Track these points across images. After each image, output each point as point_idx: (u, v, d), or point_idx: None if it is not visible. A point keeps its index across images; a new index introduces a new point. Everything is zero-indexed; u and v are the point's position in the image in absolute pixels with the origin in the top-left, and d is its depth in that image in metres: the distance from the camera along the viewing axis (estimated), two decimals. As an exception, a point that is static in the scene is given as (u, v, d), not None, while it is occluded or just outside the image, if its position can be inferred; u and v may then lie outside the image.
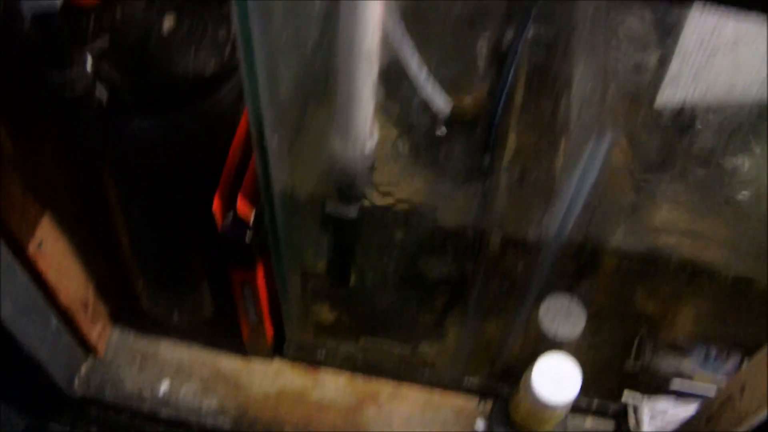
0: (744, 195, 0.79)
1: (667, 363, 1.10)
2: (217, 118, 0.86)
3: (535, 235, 0.85)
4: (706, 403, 0.93)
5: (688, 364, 1.10)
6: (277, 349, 1.25)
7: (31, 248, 1.00)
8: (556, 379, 1.01)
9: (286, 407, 1.22)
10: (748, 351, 0.85)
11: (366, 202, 0.87)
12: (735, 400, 0.87)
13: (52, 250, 1.05)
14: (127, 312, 1.30)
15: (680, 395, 1.11)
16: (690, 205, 0.82)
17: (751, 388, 0.84)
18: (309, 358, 1.24)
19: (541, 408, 1.02)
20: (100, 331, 1.24)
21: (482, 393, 1.22)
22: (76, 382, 1.24)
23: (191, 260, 1.06)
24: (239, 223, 0.92)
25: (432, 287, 1.01)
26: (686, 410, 1.09)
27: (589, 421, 1.22)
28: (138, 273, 1.11)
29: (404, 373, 1.21)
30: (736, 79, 0.71)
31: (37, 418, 1.26)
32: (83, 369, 1.25)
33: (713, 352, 1.11)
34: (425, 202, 0.86)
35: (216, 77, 0.82)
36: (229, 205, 0.93)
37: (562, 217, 0.82)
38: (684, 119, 0.73)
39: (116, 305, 1.28)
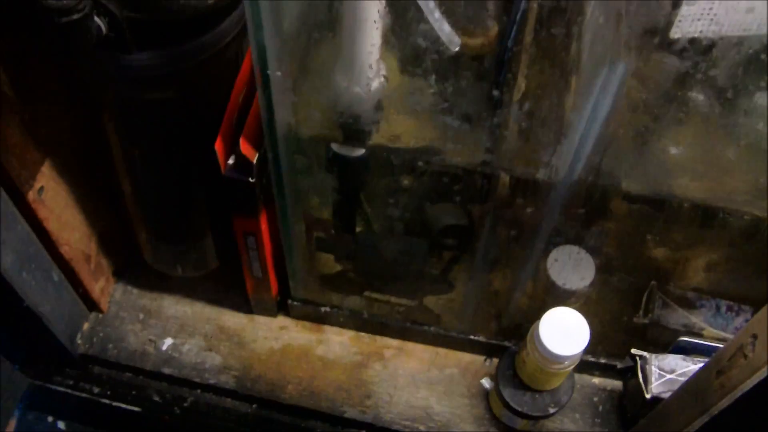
0: (761, 133, 0.77)
1: (676, 318, 1.08)
2: (219, 54, 0.85)
3: (544, 176, 0.83)
4: (715, 356, 0.91)
5: (697, 318, 1.08)
6: (282, 307, 1.24)
7: (31, 195, 0.99)
8: (563, 332, 0.99)
9: (290, 364, 1.21)
10: (759, 305, 0.83)
11: (372, 143, 0.85)
12: (746, 351, 0.85)
13: (53, 198, 1.04)
14: (130, 268, 1.29)
15: (689, 352, 1.09)
16: (704, 144, 0.80)
17: (763, 337, 0.82)
18: (313, 316, 1.22)
19: (547, 362, 1.00)
20: (102, 286, 1.23)
21: (489, 350, 1.20)
22: (79, 339, 1.23)
23: (195, 208, 1.05)
24: (242, 164, 0.91)
25: (439, 236, 0.99)
26: (695, 368, 1.07)
27: (597, 380, 1.21)
28: (141, 224, 1.10)
29: (409, 331, 1.19)
30: (755, 10, 0.69)
31: (40, 376, 1.25)
32: (86, 326, 1.24)
33: (723, 307, 1.10)
34: (433, 143, 0.84)
35: (217, 8, 0.80)
36: (233, 146, 0.91)
37: (572, 156, 0.81)
38: (700, 50, 0.71)
39: (119, 261, 1.27)
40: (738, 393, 0.83)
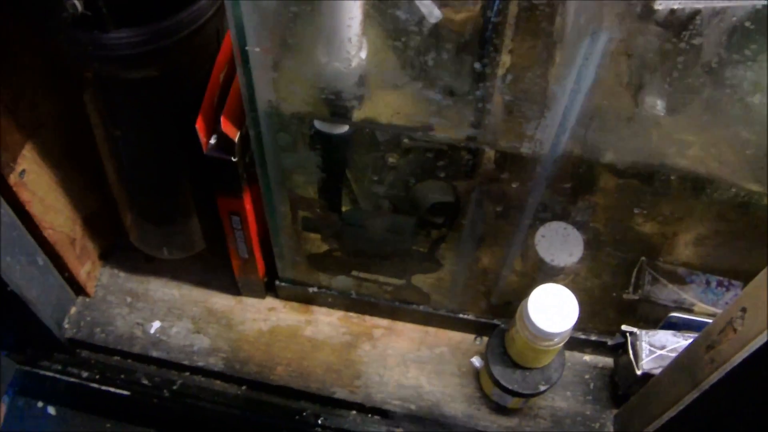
0: (746, 104, 0.76)
1: (666, 293, 1.07)
2: (199, 31, 0.83)
3: (529, 150, 0.82)
4: (705, 330, 0.90)
5: (687, 294, 1.08)
6: (270, 288, 1.23)
7: (12, 178, 0.98)
8: (552, 309, 0.98)
9: (279, 345, 1.20)
10: (749, 280, 0.83)
11: (355, 119, 0.84)
12: (736, 324, 0.84)
13: (35, 181, 1.03)
14: (116, 252, 1.28)
15: (680, 328, 1.08)
16: (691, 115, 0.78)
17: (753, 310, 0.82)
18: (302, 296, 1.21)
19: (537, 339, 1.00)
20: (89, 270, 1.22)
21: (478, 329, 1.20)
22: (66, 323, 1.22)
23: (179, 189, 1.04)
24: (224, 143, 0.90)
25: (426, 213, 0.98)
26: (686, 344, 1.06)
27: (588, 357, 1.20)
28: (126, 205, 1.09)
29: (399, 310, 1.19)
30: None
31: (28, 362, 1.24)
32: (73, 310, 1.23)
33: (714, 282, 1.09)
34: (417, 118, 0.83)
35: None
36: (214, 125, 0.90)
37: (556, 129, 0.80)
38: (684, 20, 0.70)
39: (105, 244, 1.26)
40: (728, 367, 0.83)
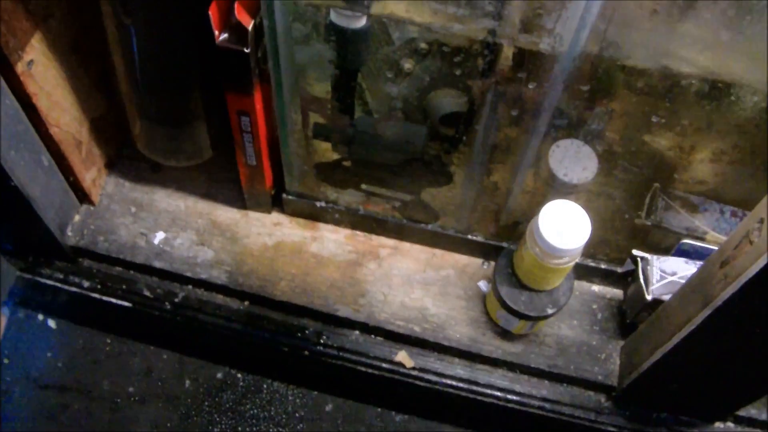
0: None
1: (679, 220, 1.05)
2: None
3: (548, 46, 0.80)
4: (720, 247, 0.88)
5: (701, 222, 1.05)
6: (276, 203, 1.21)
7: (20, 67, 0.96)
8: (563, 225, 0.96)
9: (284, 260, 1.18)
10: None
11: (374, 11, 0.82)
12: (752, 236, 0.82)
13: (43, 74, 1.01)
14: (122, 161, 1.27)
15: (691, 256, 1.06)
16: (718, 19, 0.76)
17: (772, 219, 0.80)
18: (308, 212, 1.20)
19: (547, 257, 0.98)
20: (94, 177, 1.20)
21: (486, 253, 1.18)
22: (69, 231, 1.20)
23: (189, 87, 1.02)
24: (237, 32, 0.88)
25: (438, 123, 0.96)
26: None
27: (596, 288, 1.19)
28: (134, 108, 1.07)
29: (406, 229, 1.17)
30: None
31: (29, 269, 1.23)
32: (76, 218, 1.22)
33: (728, 212, 1.07)
34: (434, 5, 0.81)
35: None
36: (228, 15, 0.88)
37: (578, 22, 0.77)
38: None
39: (111, 152, 1.24)
40: (743, 279, 0.81)
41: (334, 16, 0.87)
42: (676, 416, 1.11)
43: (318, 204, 1.17)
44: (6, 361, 1.29)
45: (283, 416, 1.26)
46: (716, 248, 1.02)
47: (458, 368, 1.15)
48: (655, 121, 0.92)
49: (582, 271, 1.15)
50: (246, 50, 0.89)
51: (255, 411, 1.26)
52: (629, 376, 1.07)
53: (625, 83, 0.88)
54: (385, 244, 1.20)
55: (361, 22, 0.87)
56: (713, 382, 1.01)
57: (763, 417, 1.11)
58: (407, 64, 0.94)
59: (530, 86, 0.87)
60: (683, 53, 0.80)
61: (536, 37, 0.80)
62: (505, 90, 0.90)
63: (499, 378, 1.14)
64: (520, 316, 1.07)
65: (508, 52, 0.87)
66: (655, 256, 1.06)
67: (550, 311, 1.06)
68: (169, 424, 1.25)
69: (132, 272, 1.21)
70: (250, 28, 0.88)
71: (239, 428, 1.25)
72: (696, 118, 0.91)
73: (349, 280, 1.17)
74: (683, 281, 1.03)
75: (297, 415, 1.26)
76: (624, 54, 0.81)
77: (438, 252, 1.20)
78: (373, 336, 1.16)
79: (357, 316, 1.15)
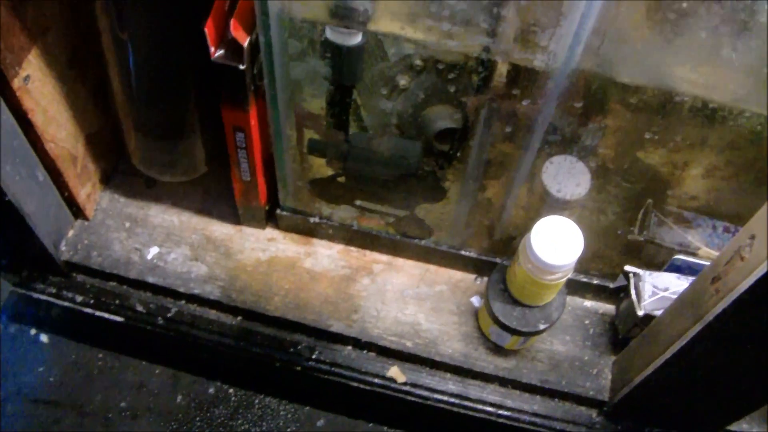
0: (761, 24, 0.74)
1: (671, 236, 1.06)
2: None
3: (542, 63, 0.81)
4: (712, 263, 0.89)
5: (693, 237, 1.06)
6: (270, 219, 1.22)
7: (16, 82, 0.97)
8: (556, 241, 0.97)
9: (277, 276, 1.19)
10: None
11: (369, 28, 0.83)
12: (743, 252, 0.83)
13: (39, 89, 1.01)
14: (117, 176, 1.27)
15: (683, 271, 1.07)
16: (711, 38, 0.77)
17: (762, 236, 0.80)
18: (302, 227, 1.20)
19: (540, 272, 0.98)
20: (89, 192, 1.20)
21: (479, 268, 1.19)
22: (63, 245, 1.20)
23: (185, 101, 1.02)
24: (233, 48, 0.88)
25: (433, 139, 0.97)
26: (689, 287, 1.05)
27: (588, 303, 1.19)
28: (130, 123, 1.07)
29: (400, 245, 1.18)
30: None
31: (23, 283, 1.23)
32: (70, 232, 1.22)
33: (720, 227, 1.08)
34: (430, 23, 0.82)
35: None
36: (224, 31, 0.89)
37: (571, 39, 0.78)
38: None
39: (107, 167, 1.25)
40: (734, 295, 0.82)
41: (329, 33, 0.88)
42: (667, 431, 1.12)
43: (312, 219, 1.17)
44: (-2, 375, 1.29)
45: (275, 431, 1.26)
46: (709, 263, 1.03)
47: (450, 383, 1.15)
48: (648, 138, 0.92)
49: (575, 287, 1.16)
50: (241, 67, 0.90)
51: (247, 426, 1.26)
52: (621, 391, 1.07)
53: (618, 99, 0.88)
54: (378, 259, 1.21)
55: (357, 39, 0.88)
56: (705, 397, 1.01)
57: (755, 431, 1.11)
58: (402, 81, 0.95)
59: (524, 102, 0.88)
60: (676, 71, 0.80)
61: (530, 53, 0.81)
62: (499, 106, 0.90)
63: (491, 393, 1.14)
64: (513, 331, 1.07)
65: (502, 69, 0.88)
66: (647, 272, 1.07)
67: (542, 327, 1.06)
68: (161, 439, 1.25)
69: (125, 287, 1.21)
70: (245, 44, 0.88)
71: (232, 443, 1.25)
72: (689, 134, 0.91)
73: (343, 295, 1.18)
74: (675, 296, 1.04)
75: (289, 430, 1.26)
76: (617, 71, 0.82)
77: (431, 267, 1.20)
78: (365, 351, 1.17)
79: (350, 332, 1.15)
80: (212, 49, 0.89)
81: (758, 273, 0.78)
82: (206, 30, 0.87)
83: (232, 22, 0.87)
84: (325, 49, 0.88)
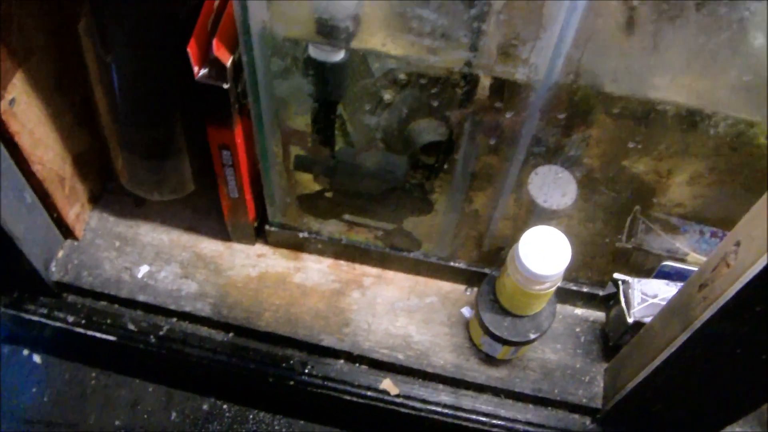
0: (744, 30, 0.75)
1: (659, 243, 1.07)
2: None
3: (524, 76, 0.81)
4: (698, 270, 0.89)
5: (681, 244, 1.07)
6: (260, 235, 1.22)
7: (2, 106, 0.97)
8: (544, 251, 0.97)
9: (268, 291, 1.19)
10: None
11: (352, 45, 0.83)
12: (729, 259, 0.84)
13: (25, 112, 1.02)
14: (106, 195, 1.27)
15: (672, 278, 1.07)
16: (691, 46, 0.77)
17: (747, 242, 0.81)
18: (292, 242, 1.20)
19: (529, 282, 0.98)
20: (78, 212, 1.21)
21: (469, 279, 1.19)
22: (53, 266, 1.21)
23: (171, 120, 1.02)
24: (216, 68, 0.89)
25: (419, 152, 0.97)
26: (678, 293, 1.05)
27: (579, 311, 1.20)
28: (117, 142, 1.07)
29: (389, 257, 1.18)
30: None
31: (14, 305, 1.23)
32: (60, 253, 1.22)
33: (707, 233, 1.08)
34: (410, 38, 0.82)
35: None
36: (207, 51, 0.89)
37: (552, 51, 0.79)
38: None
39: (95, 187, 1.25)
40: (721, 302, 0.82)
41: (312, 51, 0.88)
42: (660, 437, 1.12)
43: (301, 234, 1.18)
44: (-8, 397, 1.29)
45: (270, 446, 1.26)
46: (696, 269, 1.03)
47: (443, 395, 1.15)
48: (632, 147, 0.93)
49: (564, 295, 1.16)
50: (225, 86, 0.90)
51: (242, 442, 1.26)
52: (613, 398, 1.07)
53: (601, 109, 0.89)
54: (368, 272, 1.21)
55: (340, 56, 0.88)
56: (696, 402, 1.01)
57: (749, 433, 1.12)
58: (387, 95, 0.95)
59: (508, 115, 0.89)
60: (658, 80, 0.81)
61: (512, 67, 0.82)
62: (483, 119, 0.91)
63: (484, 403, 1.14)
64: (504, 341, 1.07)
65: (485, 82, 0.88)
66: (636, 279, 1.07)
67: (533, 336, 1.06)
68: (156, 458, 1.25)
69: (116, 306, 1.22)
70: (228, 64, 0.89)
71: (227, 460, 1.25)
72: (673, 143, 0.92)
73: (334, 309, 1.18)
74: (664, 303, 1.04)
75: (284, 444, 1.26)
76: (599, 81, 0.82)
77: (421, 279, 1.21)
78: (357, 365, 1.17)
79: (341, 345, 1.15)
80: (195, 68, 0.89)
81: (744, 279, 0.79)
82: (189, 50, 0.87)
83: (215, 42, 0.87)
84: (308, 67, 0.88)
